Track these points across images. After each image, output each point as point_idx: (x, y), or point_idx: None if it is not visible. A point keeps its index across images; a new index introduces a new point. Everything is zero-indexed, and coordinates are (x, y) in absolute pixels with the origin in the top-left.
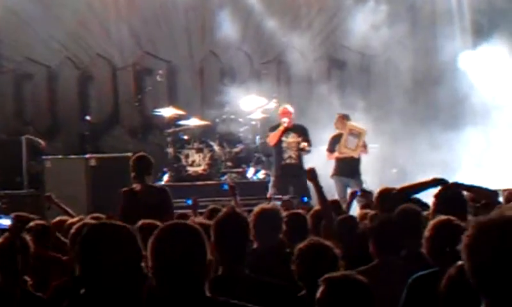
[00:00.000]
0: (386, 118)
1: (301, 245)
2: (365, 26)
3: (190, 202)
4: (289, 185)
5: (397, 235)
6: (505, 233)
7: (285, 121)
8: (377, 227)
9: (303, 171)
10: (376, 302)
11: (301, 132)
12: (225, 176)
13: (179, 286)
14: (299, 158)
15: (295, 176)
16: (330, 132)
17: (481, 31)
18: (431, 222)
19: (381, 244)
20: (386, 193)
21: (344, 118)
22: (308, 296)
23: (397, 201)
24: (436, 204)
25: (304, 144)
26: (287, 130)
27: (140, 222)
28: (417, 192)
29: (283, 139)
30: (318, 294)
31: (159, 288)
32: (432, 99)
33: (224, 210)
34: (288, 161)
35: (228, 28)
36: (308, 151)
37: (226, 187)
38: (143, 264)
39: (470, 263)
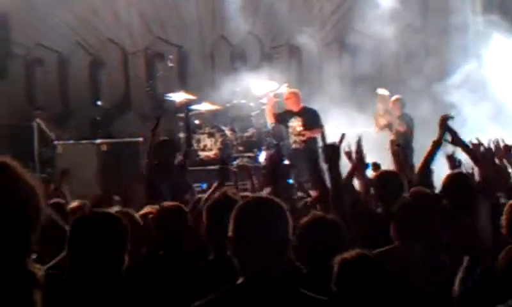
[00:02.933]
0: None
1: (303, 221)
2: (376, 10)
3: (205, 186)
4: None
5: (418, 219)
6: None
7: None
8: (400, 210)
9: (308, 156)
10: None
11: (307, 116)
12: (237, 161)
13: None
14: (306, 143)
15: (298, 161)
16: (338, 117)
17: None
18: None
19: (402, 228)
20: (387, 176)
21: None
22: (314, 276)
23: (420, 184)
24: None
25: (300, 130)
26: (293, 114)
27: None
28: (430, 165)
29: (289, 123)
30: (334, 275)
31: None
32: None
33: (217, 194)
34: (294, 146)
35: (238, 12)
36: (313, 137)
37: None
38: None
39: None
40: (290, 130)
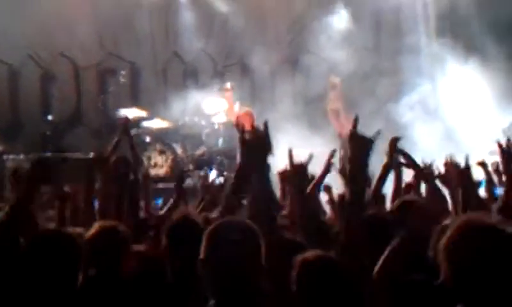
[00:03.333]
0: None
1: (302, 257)
2: (330, 32)
3: (160, 202)
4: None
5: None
6: (487, 238)
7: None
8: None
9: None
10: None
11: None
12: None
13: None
14: None
15: None
16: (291, 136)
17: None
18: None
19: None
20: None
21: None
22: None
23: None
24: None
25: None
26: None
27: None
28: (381, 188)
29: None
30: (293, 275)
31: None
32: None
33: (177, 214)
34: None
35: (192, 29)
36: None
37: None
38: None
39: (448, 265)
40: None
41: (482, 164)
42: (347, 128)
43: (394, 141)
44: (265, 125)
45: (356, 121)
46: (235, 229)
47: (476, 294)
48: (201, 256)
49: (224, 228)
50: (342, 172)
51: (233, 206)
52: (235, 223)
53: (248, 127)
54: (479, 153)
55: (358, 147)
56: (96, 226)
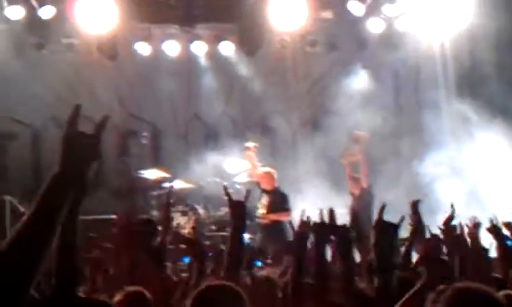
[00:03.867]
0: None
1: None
2: (350, 92)
3: (187, 260)
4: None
5: None
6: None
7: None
8: None
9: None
10: None
11: (276, 197)
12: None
13: None
14: (270, 224)
15: (262, 236)
16: (312, 197)
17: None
18: None
19: None
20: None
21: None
22: None
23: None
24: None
25: (263, 213)
26: (265, 192)
27: None
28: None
29: (260, 200)
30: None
31: None
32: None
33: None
34: (258, 221)
35: (212, 91)
36: (278, 221)
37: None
38: None
39: None
40: (259, 205)
41: (508, 225)
42: (358, 187)
43: (415, 204)
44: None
45: (382, 209)
46: (221, 293)
47: None
48: None
49: (210, 291)
50: (368, 269)
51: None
52: (221, 287)
53: (267, 187)
54: (504, 214)
55: (383, 236)
56: (123, 293)
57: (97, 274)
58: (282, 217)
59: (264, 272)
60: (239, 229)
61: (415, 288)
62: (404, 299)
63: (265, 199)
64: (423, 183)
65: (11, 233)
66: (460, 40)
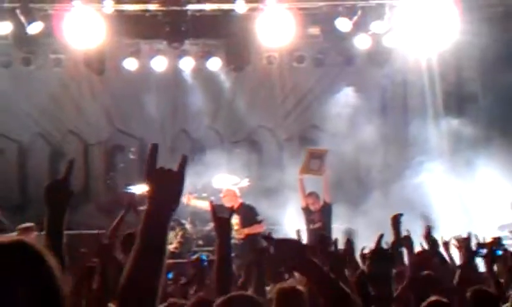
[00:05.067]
0: (360, 205)
1: None
2: (337, 107)
3: (170, 276)
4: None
5: None
6: None
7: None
8: None
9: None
10: None
11: (243, 213)
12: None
13: None
14: (245, 240)
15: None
16: (298, 211)
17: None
18: None
19: None
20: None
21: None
22: None
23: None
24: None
25: (237, 229)
26: (233, 212)
27: None
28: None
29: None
30: None
31: None
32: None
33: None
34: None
35: (199, 106)
36: (253, 234)
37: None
38: None
39: None
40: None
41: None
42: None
43: (396, 218)
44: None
45: (380, 238)
46: (244, 303)
47: None
48: None
49: (235, 302)
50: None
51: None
52: (244, 297)
53: (232, 205)
54: (489, 227)
55: (380, 265)
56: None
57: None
58: (255, 230)
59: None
60: (224, 245)
61: None
62: None
63: (235, 219)
64: (410, 196)
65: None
66: (447, 57)
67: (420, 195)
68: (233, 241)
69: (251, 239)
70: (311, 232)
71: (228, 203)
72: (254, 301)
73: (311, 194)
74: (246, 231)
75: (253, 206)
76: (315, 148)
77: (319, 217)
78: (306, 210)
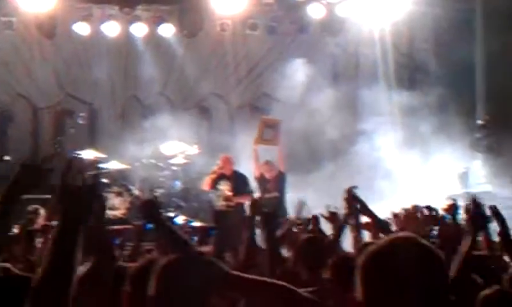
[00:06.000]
0: (312, 170)
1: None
2: (289, 76)
3: (118, 241)
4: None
5: None
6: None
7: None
8: None
9: (237, 220)
10: None
11: (237, 181)
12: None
13: None
14: (233, 208)
15: (224, 224)
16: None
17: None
18: None
19: None
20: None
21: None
22: None
23: None
24: None
25: (228, 195)
26: (224, 178)
27: None
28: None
29: (218, 187)
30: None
31: None
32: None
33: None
34: (221, 208)
35: (151, 72)
36: (241, 203)
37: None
38: None
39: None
40: (218, 193)
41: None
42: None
43: (350, 192)
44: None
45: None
46: (185, 265)
47: None
48: (151, 293)
49: (175, 264)
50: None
51: None
52: (186, 259)
53: (226, 172)
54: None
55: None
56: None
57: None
58: (244, 200)
59: None
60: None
61: None
62: None
63: (225, 185)
64: (361, 166)
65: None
66: (400, 27)
67: (371, 165)
68: (221, 208)
69: (239, 208)
70: (266, 201)
71: (223, 170)
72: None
73: (266, 163)
74: (236, 199)
75: (246, 176)
76: (268, 118)
77: (275, 186)
78: (261, 179)
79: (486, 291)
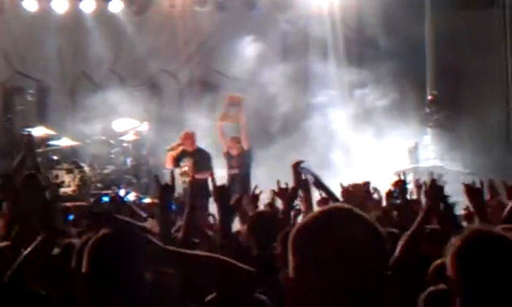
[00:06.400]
0: (265, 146)
1: None
2: (238, 52)
3: (71, 218)
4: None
5: None
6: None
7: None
8: None
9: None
10: None
11: (198, 157)
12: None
13: None
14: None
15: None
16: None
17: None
18: None
19: None
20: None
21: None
22: None
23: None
24: None
25: (185, 170)
26: (186, 155)
27: None
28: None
29: (181, 164)
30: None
31: None
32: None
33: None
34: (182, 186)
35: (100, 49)
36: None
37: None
38: None
39: None
40: (180, 171)
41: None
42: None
43: (297, 165)
44: None
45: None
46: (118, 239)
47: None
48: (84, 270)
49: (107, 240)
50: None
51: None
52: (120, 233)
53: (188, 148)
54: (386, 172)
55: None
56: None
57: None
58: (204, 175)
59: None
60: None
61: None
62: None
63: (187, 162)
64: (311, 141)
65: None
66: (348, 2)
67: (324, 139)
68: (183, 186)
69: (198, 184)
70: (229, 177)
71: (185, 146)
72: None
73: (233, 139)
74: (196, 175)
75: (208, 153)
76: (233, 95)
77: (238, 162)
78: (227, 155)
79: (437, 262)
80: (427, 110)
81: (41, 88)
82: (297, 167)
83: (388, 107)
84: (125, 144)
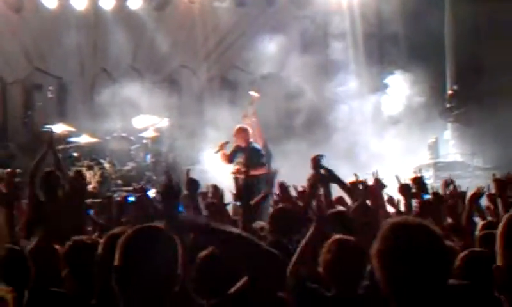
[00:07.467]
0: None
1: None
2: (257, 48)
3: (92, 212)
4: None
5: None
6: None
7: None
8: None
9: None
10: None
11: (250, 153)
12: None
13: None
14: (248, 180)
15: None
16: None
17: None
18: None
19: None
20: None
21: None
22: None
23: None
24: None
25: (238, 168)
26: (240, 150)
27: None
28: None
29: (235, 159)
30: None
31: None
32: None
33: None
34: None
35: (120, 45)
36: (256, 175)
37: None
38: None
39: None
40: (235, 169)
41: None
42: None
43: (316, 159)
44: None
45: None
46: (151, 236)
47: None
48: (116, 263)
49: (140, 235)
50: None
51: None
52: (152, 230)
53: (241, 144)
54: (405, 168)
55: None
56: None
57: None
58: (258, 172)
59: None
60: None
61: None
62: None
63: (239, 157)
64: (333, 139)
65: None
66: None
67: (342, 136)
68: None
69: (250, 180)
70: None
71: (238, 141)
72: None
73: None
74: (250, 171)
75: (260, 148)
76: (253, 95)
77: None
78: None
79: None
80: (448, 105)
81: (61, 85)
82: (315, 161)
83: (408, 101)
84: (144, 141)
